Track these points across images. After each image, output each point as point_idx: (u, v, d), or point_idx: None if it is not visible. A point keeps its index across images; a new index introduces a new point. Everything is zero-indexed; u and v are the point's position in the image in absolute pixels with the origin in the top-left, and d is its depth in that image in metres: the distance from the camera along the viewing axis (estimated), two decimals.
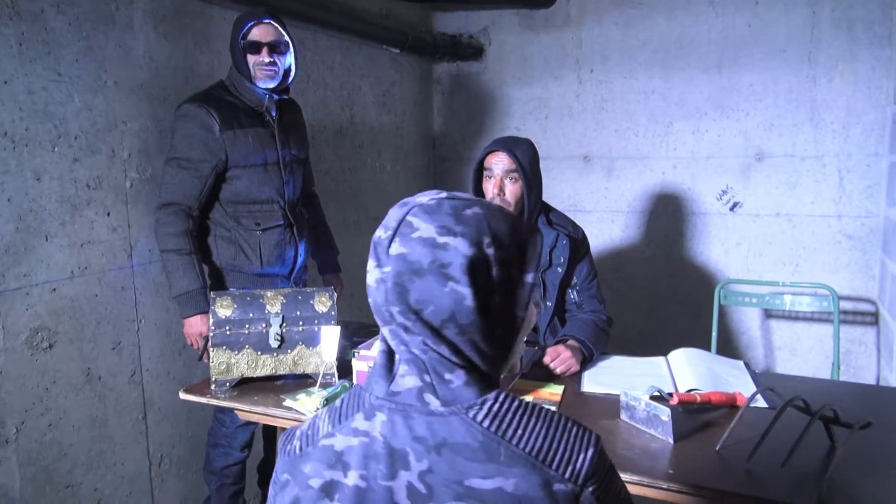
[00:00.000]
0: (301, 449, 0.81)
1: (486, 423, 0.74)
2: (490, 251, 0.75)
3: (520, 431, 0.73)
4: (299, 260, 2.25)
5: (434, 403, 0.75)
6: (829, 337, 3.19)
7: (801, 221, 3.30)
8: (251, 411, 1.66)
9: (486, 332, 0.76)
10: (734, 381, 1.71)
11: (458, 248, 0.74)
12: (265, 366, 1.74)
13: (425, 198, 0.79)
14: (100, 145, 1.98)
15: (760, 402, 1.56)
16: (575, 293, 2.08)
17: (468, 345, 0.76)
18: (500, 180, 1.95)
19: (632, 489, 1.27)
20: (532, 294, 0.80)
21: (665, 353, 1.94)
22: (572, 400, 1.64)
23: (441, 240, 0.74)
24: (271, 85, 2.08)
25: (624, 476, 1.25)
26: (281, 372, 1.75)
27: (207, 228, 2.12)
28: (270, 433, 2.38)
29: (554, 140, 3.74)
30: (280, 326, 1.73)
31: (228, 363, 1.71)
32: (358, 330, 2.09)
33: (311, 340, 1.75)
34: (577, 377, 1.78)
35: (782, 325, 3.42)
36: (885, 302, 2.96)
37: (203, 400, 1.71)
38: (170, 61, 2.21)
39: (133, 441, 2.14)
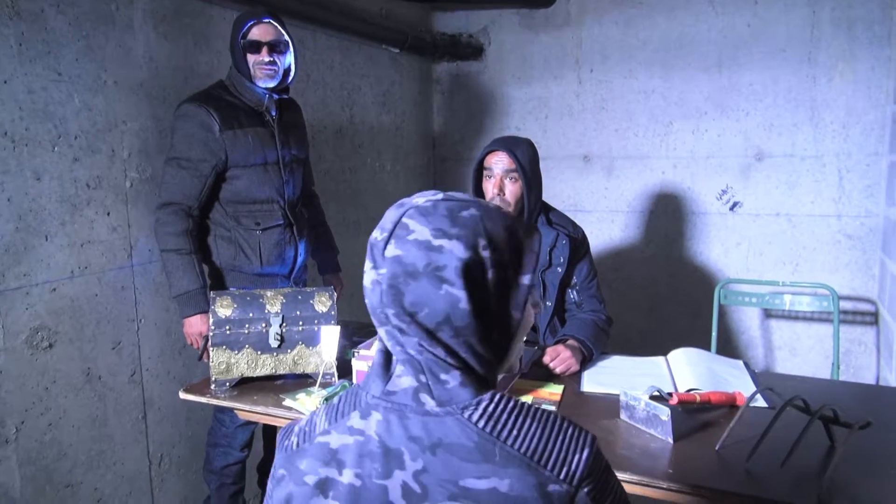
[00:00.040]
0: (298, 445, 0.82)
1: (481, 424, 0.74)
2: (486, 254, 0.75)
3: (515, 432, 0.74)
4: (299, 260, 2.25)
5: (429, 403, 0.76)
6: (829, 337, 3.19)
7: (800, 221, 3.30)
8: (251, 411, 1.66)
9: (482, 334, 0.76)
10: (734, 380, 1.71)
11: (453, 251, 0.74)
12: (265, 365, 1.74)
13: (421, 199, 0.78)
14: (100, 145, 1.98)
15: (760, 402, 1.56)
16: (575, 293, 2.08)
17: (464, 347, 0.76)
18: (500, 180, 1.95)
19: (631, 489, 1.27)
20: (529, 295, 0.80)
21: (665, 353, 1.94)
22: (572, 400, 1.64)
23: (436, 242, 0.74)
24: (271, 84, 2.08)
25: (623, 475, 1.25)
26: (281, 372, 1.75)
27: (207, 228, 2.12)
28: (270, 433, 2.38)
29: (554, 140, 3.74)
30: (280, 326, 1.73)
31: (228, 363, 1.71)
32: (358, 330, 2.09)
33: (311, 340, 1.75)
34: (576, 377, 1.78)
35: (782, 325, 3.42)
36: (885, 302, 2.96)
37: (203, 399, 1.71)
38: (170, 61, 2.21)
39: (133, 441, 2.14)
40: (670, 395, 1.49)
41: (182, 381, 2.29)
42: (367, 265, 0.78)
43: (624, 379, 1.72)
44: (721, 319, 3.22)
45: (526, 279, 0.79)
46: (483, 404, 0.75)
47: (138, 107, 2.10)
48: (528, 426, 0.74)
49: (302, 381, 1.77)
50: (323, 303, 1.78)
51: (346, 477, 0.76)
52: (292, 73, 2.15)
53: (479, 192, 2.04)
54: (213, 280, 2.14)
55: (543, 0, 3.60)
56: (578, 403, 1.61)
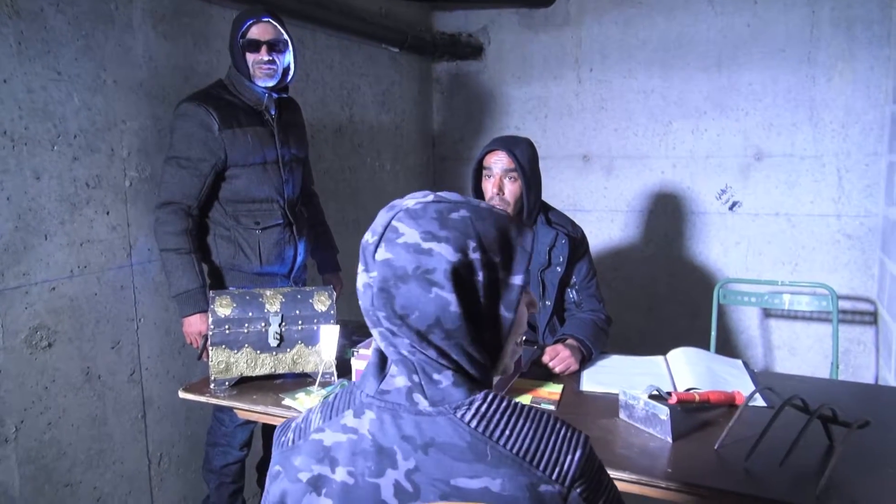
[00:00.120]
0: (293, 442, 0.82)
1: (473, 424, 0.74)
2: (475, 256, 0.75)
3: (507, 432, 0.74)
4: (298, 259, 2.25)
5: (422, 403, 0.76)
6: (828, 336, 3.19)
7: (800, 221, 3.31)
8: (250, 410, 1.66)
9: (473, 336, 0.76)
10: (733, 380, 1.71)
11: (442, 254, 0.74)
12: (264, 365, 1.74)
13: (412, 201, 0.79)
14: (99, 144, 1.98)
15: (759, 402, 1.56)
16: (574, 292, 2.08)
17: (456, 349, 0.76)
18: (500, 179, 1.95)
19: (630, 488, 1.27)
20: (522, 295, 0.80)
21: (664, 353, 1.94)
22: (571, 399, 1.64)
23: (425, 245, 0.74)
24: (270, 83, 2.08)
25: (622, 475, 1.25)
26: (280, 371, 1.75)
27: (207, 227, 2.12)
28: (269, 432, 2.38)
29: (553, 139, 3.74)
30: (279, 325, 1.74)
31: (227, 362, 1.71)
32: (357, 329, 2.09)
33: (311, 339, 1.75)
34: (576, 376, 1.78)
35: (781, 325, 3.42)
36: (884, 301, 2.96)
37: (202, 399, 1.71)
38: (169, 60, 2.21)
39: (132, 440, 2.14)
40: (669, 394, 1.49)
41: (181, 380, 2.29)
42: (360, 268, 0.79)
43: (623, 378, 1.72)
44: (720, 319, 3.22)
45: (517, 279, 0.79)
46: (476, 404, 0.75)
47: (138, 106, 2.10)
48: (520, 426, 0.74)
49: (301, 380, 1.77)
50: (322, 302, 1.78)
51: (339, 475, 0.77)
52: (292, 73, 2.15)
53: (478, 191, 2.04)
54: (212, 279, 2.14)
55: (543, 0, 3.60)
56: (577, 403, 1.62)
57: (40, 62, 1.80)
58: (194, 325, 2.02)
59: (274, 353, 1.74)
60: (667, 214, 3.56)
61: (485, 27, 3.85)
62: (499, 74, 3.85)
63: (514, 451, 0.73)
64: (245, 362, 1.73)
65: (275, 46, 2.05)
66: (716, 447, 1.34)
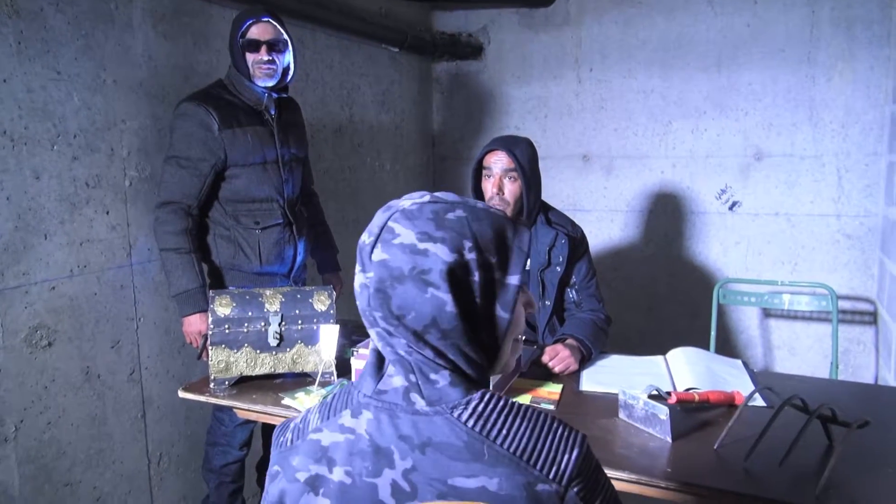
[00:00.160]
0: (292, 442, 0.82)
1: (470, 423, 0.74)
2: (471, 256, 0.75)
3: (504, 431, 0.74)
4: (298, 259, 2.25)
5: (419, 403, 0.76)
6: (828, 336, 3.19)
7: (799, 221, 3.31)
8: (250, 410, 1.66)
9: (470, 336, 0.76)
10: (732, 380, 1.71)
11: (438, 255, 0.74)
12: (264, 364, 1.74)
13: (408, 202, 0.79)
14: (99, 144, 1.98)
15: (758, 401, 1.56)
16: (573, 292, 2.08)
17: (452, 349, 0.76)
18: (499, 179, 1.95)
19: (630, 488, 1.27)
20: (520, 295, 0.80)
21: (664, 353, 1.94)
22: (571, 399, 1.64)
23: (421, 246, 0.74)
24: (270, 83, 2.08)
25: (622, 474, 1.25)
26: (280, 370, 1.75)
27: (206, 227, 2.12)
28: (269, 432, 2.38)
29: (553, 139, 3.74)
30: (279, 325, 1.74)
31: (227, 362, 1.71)
32: (357, 329, 2.09)
33: (310, 339, 1.76)
34: (575, 376, 1.78)
35: (781, 325, 3.42)
36: (884, 301, 2.96)
37: (202, 398, 1.71)
38: (169, 60, 2.21)
39: (132, 439, 2.14)
40: (669, 394, 1.49)
41: (181, 379, 2.29)
42: (357, 268, 0.79)
43: (623, 378, 1.72)
44: (720, 319, 3.22)
45: (514, 279, 0.79)
46: (473, 404, 0.75)
47: (137, 106, 2.10)
48: (517, 426, 0.75)
49: (301, 379, 1.77)
50: (322, 302, 1.78)
51: (337, 475, 0.77)
52: (291, 72, 2.15)
53: (478, 191, 2.04)
54: (212, 279, 2.14)
55: (543, 0, 3.60)
56: (577, 402, 1.62)
57: (40, 62, 1.80)
58: (194, 324, 2.02)
59: (274, 352, 1.74)
60: (666, 214, 3.56)
61: (485, 27, 3.85)
62: (499, 74, 3.85)
63: (511, 450, 0.73)
64: (245, 362, 1.73)
65: (274, 46, 2.05)
66: (715, 447, 1.35)
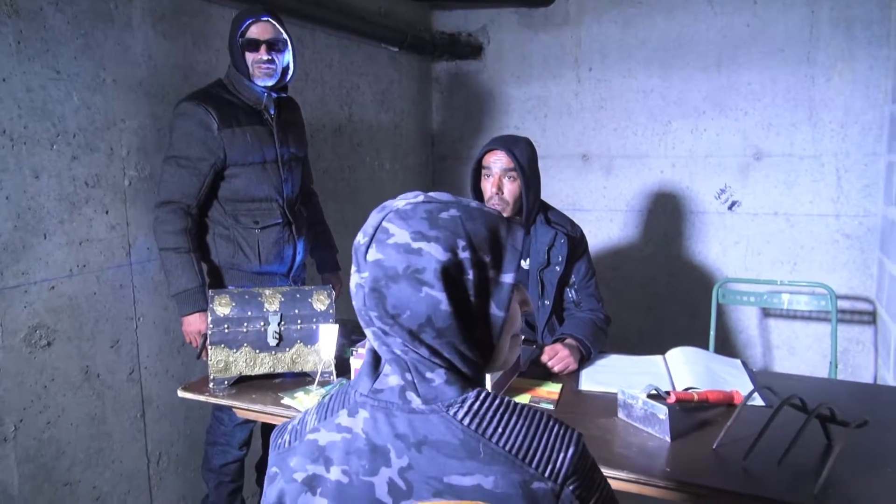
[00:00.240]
0: (289, 444, 0.83)
1: (466, 421, 0.74)
2: (465, 255, 0.76)
3: (500, 429, 0.74)
4: (298, 258, 2.25)
5: (415, 401, 0.76)
6: (827, 336, 3.19)
7: (799, 220, 3.31)
8: (249, 409, 1.66)
9: (464, 335, 0.77)
10: (731, 379, 1.71)
11: (432, 254, 0.74)
12: (263, 364, 1.74)
13: (402, 202, 0.79)
14: (98, 143, 1.98)
15: (757, 401, 1.56)
16: (573, 292, 2.08)
17: (447, 348, 0.77)
18: (499, 179, 1.95)
19: (629, 487, 1.28)
20: (513, 293, 0.80)
21: (663, 352, 1.94)
22: (570, 398, 1.64)
23: (415, 245, 0.75)
24: (270, 83, 2.08)
25: (621, 474, 1.25)
26: (279, 370, 1.75)
27: (206, 226, 2.12)
28: (269, 431, 2.38)
29: (553, 139, 3.75)
30: (278, 325, 1.74)
31: (227, 361, 1.71)
32: (356, 328, 2.09)
33: (310, 339, 1.76)
34: (574, 375, 1.78)
35: (780, 324, 3.42)
36: (883, 301, 2.97)
37: (201, 398, 1.71)
38: (168, 59, 2.21)
39: (131, 439, 2.14)
40: (668, 393, 1.49)
41: (180, 379, 2.29)
42: (352, 269, 0.80)
43: (622, 378, 1.73)
44: (719, 318, 3.22)
45: (508, 278, 0.79)
46: (468, 402, 0.76)
47: (137, 105, 2.10)
48: (513, 424, 0.75)
49: (300, 379, 1.77)
50: (321, 301, 1.78)
51: (334, 474, 0.77)
52: (291, 72, 2.15)
53: (477, 190, 2.04)
54: (211, 278, 2.14)
55: None
56: (576, 402, 1.62)
57: (39, 61, 1.80)
58: (193, 324, 2.02)
59: (273, 352, 1.74)
60: (666, 214, 3.57)
61: (484, 27, 3.85)
62: (498, 74, 3.86)
63: (507, 448, 0.73)
64: (244, 361, 1.73)
65: (274, 46, 2.05)
66: (714, 446, 1.35)
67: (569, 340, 1.88)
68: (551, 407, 1.58)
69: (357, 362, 1.66)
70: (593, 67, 3.61)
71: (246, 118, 2.07)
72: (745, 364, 1.85)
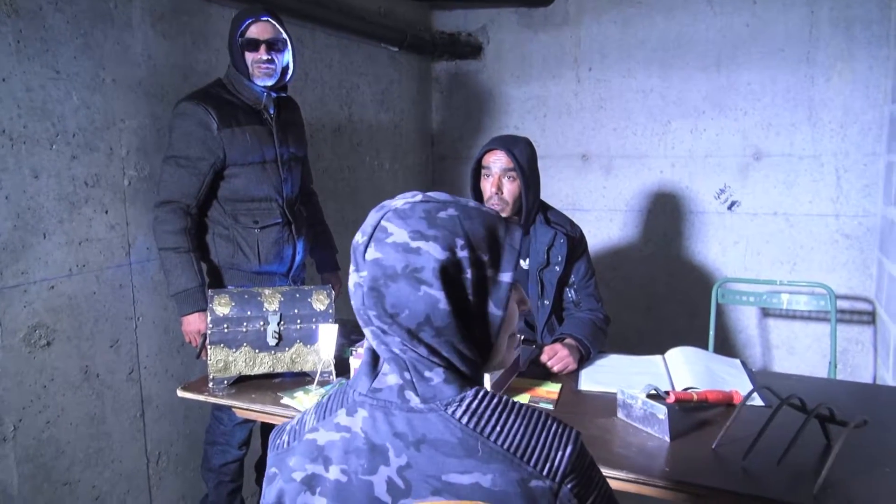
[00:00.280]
0: (288, 444, 0.83)
1: (464, 420, 0.75)
2: (463, 254, 0.76)
3: (498, 428, 0.74)
4: (297, 258, 2.25)
5: (414, 400, 0.77)
6: (827, 336, 3.19)
7: (798, 220, 3.31)
8: (249, 409, 1.66)
9: (463, 333, 0.77)
10: (731, 379, 1.71)
11: (430, 253, 0.75)
12: (263, 364, 1.74)
13: (400, 201, 0.80)
14: (98, 143, 1.98)
15: (757, 401, 1.56)
16: (572, 292, 2.09)
17: (446, 346, 0.77)
18: (498, 179, 1.95)
19: (628, 487, 1.28)
20: (511, 292, 0.80)
21: (662, 352, 1.94)
22: (569, 398, 1.64)
23: (414, 244, 0.75)
24: (269, 83, 2.08)
25: (620, 474, 1.25)
26: (279, 370, 1.75)
27: (206, 226, 2.12)
28: (268, 431, 2.38)
29: (552, 139, 3.75)
30: (278, 324, 1.74)
31: (226, 361, 1.71)
32: (355, 328, 2.08)
33: (309, 338, 1.76)
34: (574, 375, 1.78)
35: (779, 324, 3.43)
36: (882, 301, 2.97)
37: (201, 398, 1.71)
38: (168, 59, 2.21)
39: (131, 438, 2.14)
40: (667, 393, 1.49)
41: (180, 379, 2.29)
42: (351, 268, 0.80)
43: (621, 377, 1.73)
44: (719, 318, 3.22)
45: (506, 277, 0.80)
46: (467, 401, 0.76)
47: (136, 105, 2.10)
48: (511, 422, 0.75)
49: (300, 379, 1.77)
50: (321, 301, 1.78)
51: (333, 473, 0.77)
52: (290, 72, 2.15)
53: (477, 190, 2.04)
54: (211, 278, 2.14)
55: None
56: (576, 402, 1.62)
57: (39, 61, 1.80)
58: (193, 323, 2.02)
59: (272, 351, 1.74)
60: (665, 214, 3.57)
61: (484, 26, 3.85)
62: (498, 74, 3.86)
63: (505, 446, 0.73)
64: (244, 361, 1.73)
65: (274, 45, 2.05)
66: (713, 446, 1.35)
67: (568, 340, 1.88)
68: (551, 407, 1.58)
69: (356, 362, 1.66)
70: (593, 67, 3.61)
71: (245, 118, 2.07)
72: (744, 364, 1.85)
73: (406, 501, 0.74)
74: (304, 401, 1.61)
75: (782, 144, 3.29)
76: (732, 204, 3.43)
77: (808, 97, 3.21)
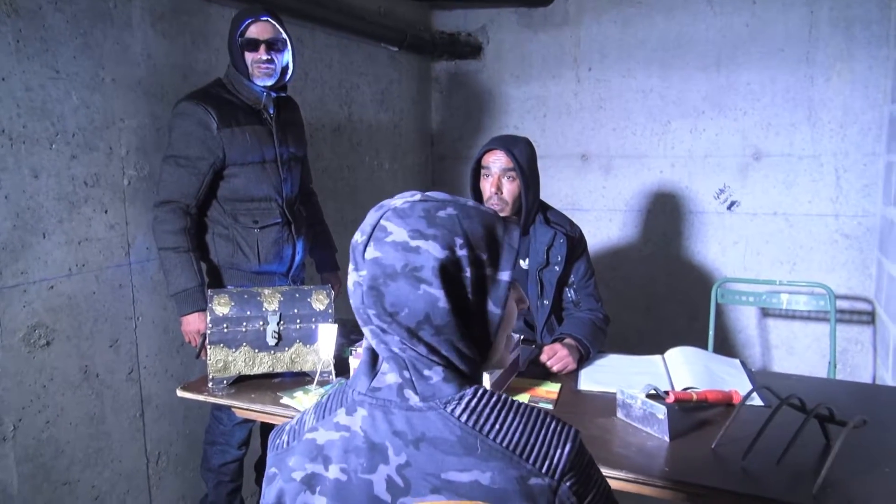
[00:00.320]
0: (288, 444, 0.84)
1: (463, 418, 0.75)
2: (462, 253, 0.76)
3: (497, 426, 0.75)
4: (297, 258, 2.25)
5: (413, 399, 0.77)
6: (826, 336, 3.20)
7: (798, 220, 3.31)
8: (248, 409, 1.66)
9: (462, 332, 0.77)
10: (730, 379, 1.71)
11: (430, 252, 0.75)
12: (262, 363, 1.74)
13: (399, 201, 0.80)
14: (97, 143, 1.98)
15: (756, 401, 1.56)
16: (572, 292, 2.09)
17: (445, 345, 0.77)
18: (498, 179, 1.95)
19: (627, 487, 1.28)
20: (510, 291, 0.81)
21: (662, 352, 1.94)
22: (569, 398, 1.64)
23: (413, 243, 0.75)
24: (269, 82, 2.08)
25: (619, 473, 1.26)
26: (278, 370, 1.75)
27: (205, 226, 2.12)
28: (268, 431, 2.38)
29: (552, 138, 3.75)
30: (277, 324, 1.74)
31: (226, 361, 1.71)
32: (355, 328, 2.08)
33: (309, 338, 1.76)
34: (573, 375, 1.78)
35: (779, 324, 3.43)
36: (882, 301, 2.97)
37: (200, 398, 1.71)
38: (168, 59, 2.21)
39: (130, 438, 2.14)
40: (667, 393, 1.49)
41: (180, 378, 2.29)
42: (350, 267, 0.80)
43: (621, 377, 1.73)
44: (718, 318, 3.22)
45: (505, 276, 0.80)
46: (466, 399, 0.76)
47: (136, 104, 2.10)
48: (510, 420, 0.75)
49: (299, 379, 1.77)
50: (321, 301, 1.78)
51: (333, 472, 0.78)
52: (290, 72, 2.15)
53: (476, 190, 2.04)
54: (210, 278, 2.14)
55: None
56: (575, 402, 1.62)
57: (39, 60, 1.80)
58: (193, 323, 2.02)
59: (272, 351, 1.74)
60: (665, 214, 3.57)
61: (484, 26, 3.85)
62: (497, 74, 3.86)
63: (504, 444, 0.74)
64: (243, 361, 1.73)
65: (273, 45, 2.05)
66: (713, 446, 1.35)
67: (568, 340, 1.88)
68: (550, 406, 1.58)
69: (356, 362, 1.66)
70: (592, 67, 3.61)
71: (245, 118, 2.07)
72: (743, 364, 1.85)
73: (405, 499, 0.74)
74: (303, 401, 1.61)
75: (782, 144, 3.29)
76: (732, 204, 3.43)
77: (807, 97, 3.21)
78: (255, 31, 2.03)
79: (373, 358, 0.83)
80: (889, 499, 1.17)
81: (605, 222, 3.71)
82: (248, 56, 2.04)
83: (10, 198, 1.74)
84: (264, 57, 2.04)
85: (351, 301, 0.80)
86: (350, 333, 2.01)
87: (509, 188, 1.96)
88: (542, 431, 0.75)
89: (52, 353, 1.87)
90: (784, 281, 2.99)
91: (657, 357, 1.92)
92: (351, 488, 0.76)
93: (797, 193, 3.29)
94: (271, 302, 1.75)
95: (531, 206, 2.01)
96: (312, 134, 2.91)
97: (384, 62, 3.54)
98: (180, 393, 1.74)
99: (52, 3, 1.83)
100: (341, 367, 1.77)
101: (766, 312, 3.44)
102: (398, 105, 3.70)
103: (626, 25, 3.51)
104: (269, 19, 2.05)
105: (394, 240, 0.76)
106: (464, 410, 0.75)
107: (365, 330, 0.80)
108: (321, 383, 1.71)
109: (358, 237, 0.79)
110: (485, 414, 0.75)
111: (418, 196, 0.81)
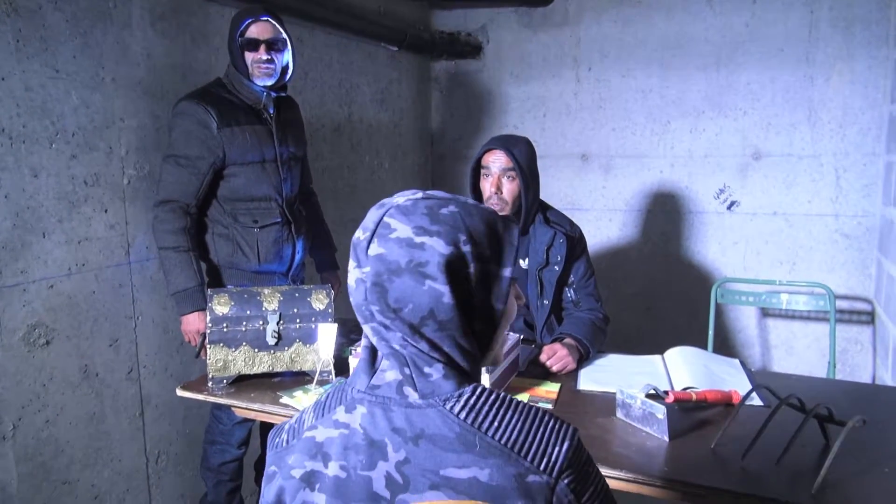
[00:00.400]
0: (287, 442, 0.84)
1: (462, 415, 0.75)
2: (467, 248, 0.77)
3: (496, 423, 0.75)
4: (297, 257, 2.25)
5: (413, 396, 0.77)
6: (826, 336, 3.20)
7: (797, 220, 3.31)
8: (248, 408, 1.67)
9: (465, 327, 0.78)
10: (730, 379, 1.71)
11: (435, 248, 0.76)
12: (262, 363, 1.74)
13: (402, 198, 0.80)
14: (97, 142, 1.98)
15: (756, 401, 1.57)
16: (572, 291, 2.09)
17: (448, 341, 0.77)
18: (498, 179, 1.95)
19: (627, 486, 1.28)
20: (510, 287, 0.82)
21: (662, 352, 1.94)
22: (569, 398, 1.64)
23: (418, 240, 0.76)
24: (269, 82, 2.08)
25: (619, 473, 1.26)
26: (278, 369, 1.75)
27: (205, 226, 2.12)
28: (267, 430, 2.37)
29: (552, 138, 3.75)
30: (277, 324, 1.74)
31: (225, 360, 1.71)
32: (355, 327, 2.09)
33: (309, 338, 1.76)
34: (573, 375, 1.78)
35: (779, 324, 3.43)
36: (881, 301, 2.97)
37: (200, 397, 1.72)
38: (167, 58, 2.21)
39: (130, 438, 2.14)
40: (666, 393, 1.49)
41: (179, 378, 2.29)
42: (351, 265, 0.80)
43: (620, 377, 1.73)
44: (718, 318, 3.22)
45: (507, 272, 0.81)
46: (465, 396, 0.77)
47: (136, 104, 2.10)
48: (508, 418, 0.76)
49: (299, 378, 1.77)
50: (320, 300, 1.78)
51: (332, 469, 0.78)
52: (290, 71, 2.15)
53: (476, 190, 2.04)
54: (210, 277, 2.14)
55: None
56: (575, 401, 1.62)
57: (38, 60, 1.80)
58: (192, 323, 2.02)
59: (272, 351, 1.74)
60: (665, 214, 3.57)
61: (483, 26, 3.85)
62: (497, 73, 3.86)
63: (503, 441, 0.74)
64: (243, 360, 1.73)
65: (273, 45, 2.05)
66: (712, 446, 1.35)
67: (567, 340, 1.88)
68: (550, 406, 1.58)
69: (355, 361, 1.66)
70: (592, 67, 3.61)
71: (245, 117, 2.07)
72: (743, 364, 1.85)
73: (404, 496, 0.74)
74: (303, 400, 1.61)
75: (782, 144, 3.29)
76: (732, 204, 3.43)
77: (807, 97, 3.21)
78: (255, 30, 2.03)
79: (372, 356, 0.83)
80: (889, 498, 1.17)
81: (604, 222, 3.71)
82: (248, 56, 2.04)
83: (9, 197, 1.74)
84: (264, 57, 2.04)
85: (352, 298, 0.80)
86: (350, 333, 2.01)
87: (509, 188, 1.96)
88: (541, 429, 0.75)
89: (51, 352, 1.87)
90: (784, 281, 2.99)
91: (657, 357, 1.92)
92: (350, 485, 0.76)
93: (797, 193, 3.29)
94: (271, 301, 1.75)
95: (531, 206, 2.01)
96: (312, 134, 2.91)
97: (384, 62, 3.54)
98: (180, 392, 1.74)
99: (52, 3, 1.83)
100: (341, 366, 1.78)
101: (765, 312, 3.44)
102: (398, 105, 3.70)
103: (625, 25, 3.51)
104: (269, 19, 2.05)
105: (398, 236, 0.76)
106: (463, 408, 0.76)
107: (365, 327, 0.81)
108: (321, 383, 1.71)
109: (360, 234, 0.79)
110: (483, 411, 0.76)
111: (420, 194, 0.81)
